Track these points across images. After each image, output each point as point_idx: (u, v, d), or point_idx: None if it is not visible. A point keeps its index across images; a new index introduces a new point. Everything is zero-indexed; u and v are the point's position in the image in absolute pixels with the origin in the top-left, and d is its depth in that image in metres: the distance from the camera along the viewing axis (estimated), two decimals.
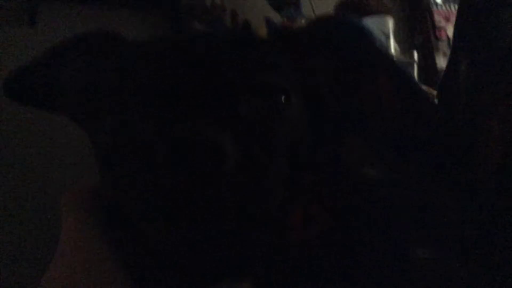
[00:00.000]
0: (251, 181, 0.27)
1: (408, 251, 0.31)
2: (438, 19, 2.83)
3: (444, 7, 2.87)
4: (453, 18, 2.87)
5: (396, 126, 0.35)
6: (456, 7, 2.63)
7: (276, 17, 2.05)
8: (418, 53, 2.33)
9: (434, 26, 2.83)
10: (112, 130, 0.30)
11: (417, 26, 2.88)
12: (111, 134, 0.30)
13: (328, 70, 0.36)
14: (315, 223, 0.30)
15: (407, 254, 0.31)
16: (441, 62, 2.77)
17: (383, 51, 0.42)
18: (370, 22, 2.05)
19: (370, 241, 0.31)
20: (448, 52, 2.80)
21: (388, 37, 2.11)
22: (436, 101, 0.57)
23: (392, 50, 2.11)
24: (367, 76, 0.36)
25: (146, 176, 0.26)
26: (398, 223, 0.32)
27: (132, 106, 0.30)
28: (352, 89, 0.35)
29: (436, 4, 2.89)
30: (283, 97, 0.31)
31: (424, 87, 2.33)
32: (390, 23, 2.11)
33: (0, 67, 1.76)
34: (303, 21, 1.89)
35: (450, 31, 2.85)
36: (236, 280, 0.29)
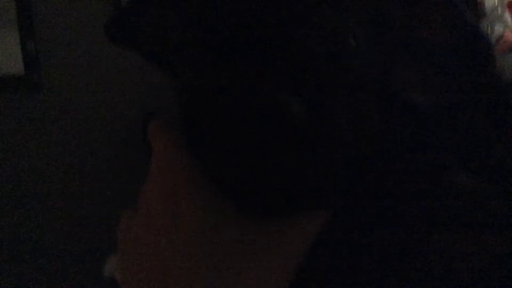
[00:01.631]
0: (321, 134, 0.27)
1: (451, 175, 0.32)
2: None
3: None
4: None
5: (448, 57, 0.34)
6: None
7: None
8: None
9: None
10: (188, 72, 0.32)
11: None
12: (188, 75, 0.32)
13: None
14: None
15: (449, 178, 0.32)
16: None
17: None
18: None
19: (412, 163, 0.32)
20: None
21: None
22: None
23: None
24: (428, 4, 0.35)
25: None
26: (442, 145, 0.33)
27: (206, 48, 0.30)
28: (413, 17, 0.35)
29: None
30: (351, 38, 0.29)
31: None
32: None
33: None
34: None
35: None
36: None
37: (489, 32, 1.95)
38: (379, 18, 0.34)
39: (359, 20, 0.32)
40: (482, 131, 0.35)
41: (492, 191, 0.32)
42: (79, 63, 1.88)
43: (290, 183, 0.28)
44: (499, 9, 2.12)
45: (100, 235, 1.56)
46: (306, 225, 0.29)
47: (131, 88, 1.91)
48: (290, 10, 0.30)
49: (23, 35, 1.81)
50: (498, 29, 1.97)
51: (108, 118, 1.90)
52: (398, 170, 0.31)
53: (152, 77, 1.90)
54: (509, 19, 2.11)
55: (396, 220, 0.30)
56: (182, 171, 0.29)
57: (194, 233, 0.28)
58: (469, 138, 0.34)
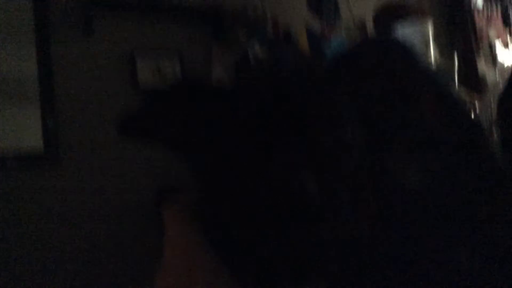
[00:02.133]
0: (331, 204, 0.31)
1: (446, 254, 0.34)
2: (479, 21, 2.81)
3: (485, 10, 2.85)
4: (494, 21, 2.84)
5: (438, 139, 0.38)
6: (498, 9, 2.60)
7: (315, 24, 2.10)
8: (458, 56, 2.31)
9: (475, 29, 2.81)
10: (205, 159, 0.36)
11: (457, 29, 2.86)
12: (205, 163, 0.36)
13: (379, 93, 0.40)
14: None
15: (445, 256, 0.34)
16: (482, 64, 2.73)
17: (427, 70, 0.45)
18: (409, 26, 2.07)
19: (411, 240, 0.34)
20: (489, 54, 2.76)
21: (427, 41, 2.12)
22: (495, 116, 0.58)
23: (432, 54, 2.12)
24: (414, 95, 0.40)
25: (241, 197, 0.31)
26: (436, 224, 0.35)
27: (220, 141, 0.35)
28: (400, 108, 0.39)
29: (477, 6, 2.87)
30: (349, 128, 0.35)
31: (464, 90, 2.29)
32: (430, 26, 2.13)
33: (61, 74, 1.91)
34: (342, 28, 1.93)
35: (491, 33, 2.82)
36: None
37: None
38: (373, 111, 0.38)
39: (359, 116, 0.36)
40: (476, 208, 0.37)
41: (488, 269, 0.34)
42: (97, 140, 1.95)
43: (298, 257, 0.31)
44: None
45: None
46: None
47: (145, 165, 1.97)
48: (304, 113, 0.34)
49: (44, 112, 1.88)
50: None
51: (123, 193, 1.95)
52: (394, 247, 0.33)
53: (165, 156, 1.97)
54: None
55: None
56: (196, 258, 0.31)
57: None
58: (464, 217, 0.36)
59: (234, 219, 0.33)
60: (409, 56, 0.45)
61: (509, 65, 2.72)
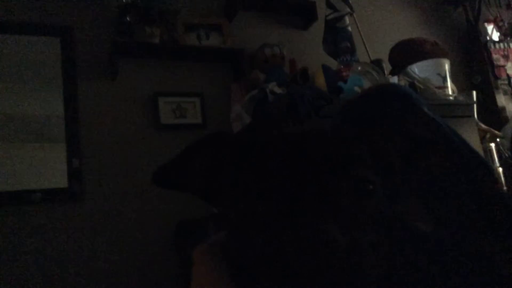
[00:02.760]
0: (357, 257, 0.34)
1: None
2: (497, 57, 2.82)
3: (502, 45, 2.85)
4: (511, 54, 2.84)
5: (449, 190, 0.40)
6: None
7: (332, 64, 2.14)
8: (477, 93, 2.31)
9: (492, 65, 2.81)
10: (230, 207, 0.39)
11: (475, 66, 2.87)
12: (231, 210, 0.39)
13: (394, 151, 0.42)
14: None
15: None
16: (502, 100, 2.72)
17: (432, 116, 0.48)
18: (426, 66, 2.09)
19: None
20: (508, 90, 2.75)
21: (445, 79, 2.13)
22: (508, 152, 0.59)
23: (450, 91, 2.12)
24: (426, 150, 0.42)
25: (264, 245, 0.33)
26: (446, 272, 0.36)
27: (243, 191, 0.38)
28: (413, 162, 0.41)
29: (494, 42, 2.88)
30: (370, 186, 0.38)
31: (484, 126, 2.27)
32: (447, 65, 2.14)
33: (86, 115, 1.99)
34: (359, 67, 1.96)
35: (509, 69, 2.82)
36: None
37: None
38: (388, 166, 0.41)
39: (375, 171, 0.39)
40: (490, 255, 0.38)
41: None
42: (118, 176, 2.01)
43: None
44: None
45: None
46: None
47: (165, 199, 2.01)
48: (331, 173, 0.37)
49: (70, 152, 1.96)
50: None
51: (142, 226, 1.99)
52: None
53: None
54: None
55: None
56: None
57: None
58: (477, 263, 0.37)
59: (260, 266, 0.34)
60: (412, 104, 0.46)
61: None
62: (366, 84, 1.89)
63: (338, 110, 0.53)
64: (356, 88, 1.85)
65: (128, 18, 2.02)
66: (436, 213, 0.39)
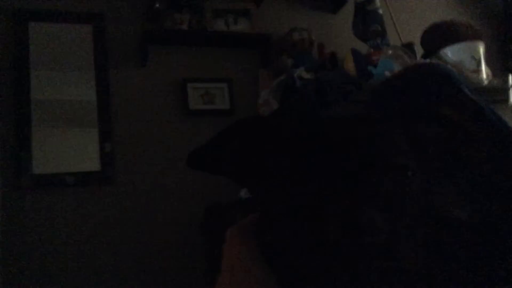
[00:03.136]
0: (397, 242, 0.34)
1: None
2: None
3: None
4: None
5: (486, 173, 0.39)
6: None
7: (362, 47, 2.10)
8: None
9: None
10: (263, 190, 0.39)
11: (510, 49, 2.76)
12: (264, 193, 0.39)
13: (431, 134, 0.41)
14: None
15: None
16: None
17: (475, 102, 0.45)
18: (459, 49, 2.03)
19: (458, 280, 0.35)
20: None
21: (479, 62, 2.06)
22: None
23: (484, 76, 2.06)
24: (462, 130, 0.41)
25: (307, 227, 0.34)
26: (483, 262, 0.36)
27: (275, 175, 0.38)
28: (448, 144, 0.40)
29: None
30: (409, 173, 0.37)
31: None
32: (481, 48, 2.06)
33: (117, 101, 2.04)
34: (389, 51, 1.92)
35: None
36: None
37: None
38: (424, 151, 0.40)
39: (412, 157, 0.38)
40: None
41: None
42: (148, 161, 2.06)
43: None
44: None
45: None
46: None
47: (193, 185, 2.05)
48: (372, 162, 0.37)
49: (102, 136, 2.02)
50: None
51: (169, 211, 2.04)
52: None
53: (211, 176, 2.03)
54: None
55: None
56: (255, 283, 0.32)
57: None
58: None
59: (296, 248, 0.35)
60: (453, 85, 0.45)
61: None
62: (397, 68, 1.85)
63: (372, 92, 0.51)
64: (387, 73, 1.81)
65: (157, 5, 2.04)
66: (474, 202, 0.39)
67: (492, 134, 0.41)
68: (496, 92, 1.95)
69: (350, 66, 2.02)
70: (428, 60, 1.96)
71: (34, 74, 1.97)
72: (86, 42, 2.07)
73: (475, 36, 2.07)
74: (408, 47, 2.02)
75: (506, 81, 2.12)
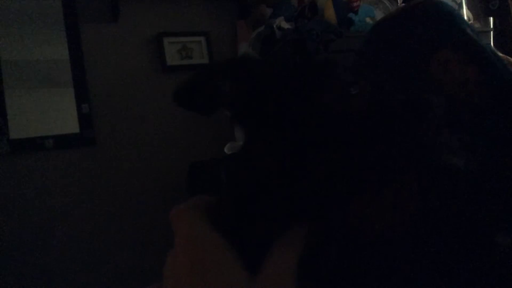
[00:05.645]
0: None
1: (489, 238, 0.34)
2: None
3: None
4: None
5: (486, 120, 0.37)
6: None
7: None
8: (494, 19, 2.21)
9: None
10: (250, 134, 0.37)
11: None
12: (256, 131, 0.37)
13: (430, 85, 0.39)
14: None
15: (488, 241, 0.34)
16: None
17: (474, 41, 0.42)
18: None
19: (453, 223, 0.34)
20: None
21: (460, 5, 2.03)
22: None
23: (465, 18, 2.03)
24: (460, 67, 0.39)
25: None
26: (479, 207, 0.35)
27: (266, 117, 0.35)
28: (448, 91, 0.38)
29: None
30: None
31: (501, 55, 2.20)
32: None
33: (91, 58, 1.96)
34: None
35: None
36: None
37: None
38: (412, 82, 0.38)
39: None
40: None
41: None
42: (128, 121, 2.02)
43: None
44: None
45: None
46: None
47: (176, 142, 2.03)
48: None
49: (78, 97, 1.96)
50: None
51: (153, 169, 2.02)
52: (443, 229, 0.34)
53: (195, 132, 2.00)
54: None
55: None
56: (209, 247, 0.32)
57: None
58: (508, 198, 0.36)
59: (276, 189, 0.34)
60: (456, 25, 0.42)
61: None
62: (379, 14, 1.80)
63: (367, 35, 0.47)
64: (368, 20, 1.77)
65: None
66: (472, 150, 0.37)
67: (493, 79, 0.39)
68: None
69: (330, 13, 1.96)
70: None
71: (1, 33, 1.87)
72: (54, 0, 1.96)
73: None
74: None
75: (487, 24, 2.10)
